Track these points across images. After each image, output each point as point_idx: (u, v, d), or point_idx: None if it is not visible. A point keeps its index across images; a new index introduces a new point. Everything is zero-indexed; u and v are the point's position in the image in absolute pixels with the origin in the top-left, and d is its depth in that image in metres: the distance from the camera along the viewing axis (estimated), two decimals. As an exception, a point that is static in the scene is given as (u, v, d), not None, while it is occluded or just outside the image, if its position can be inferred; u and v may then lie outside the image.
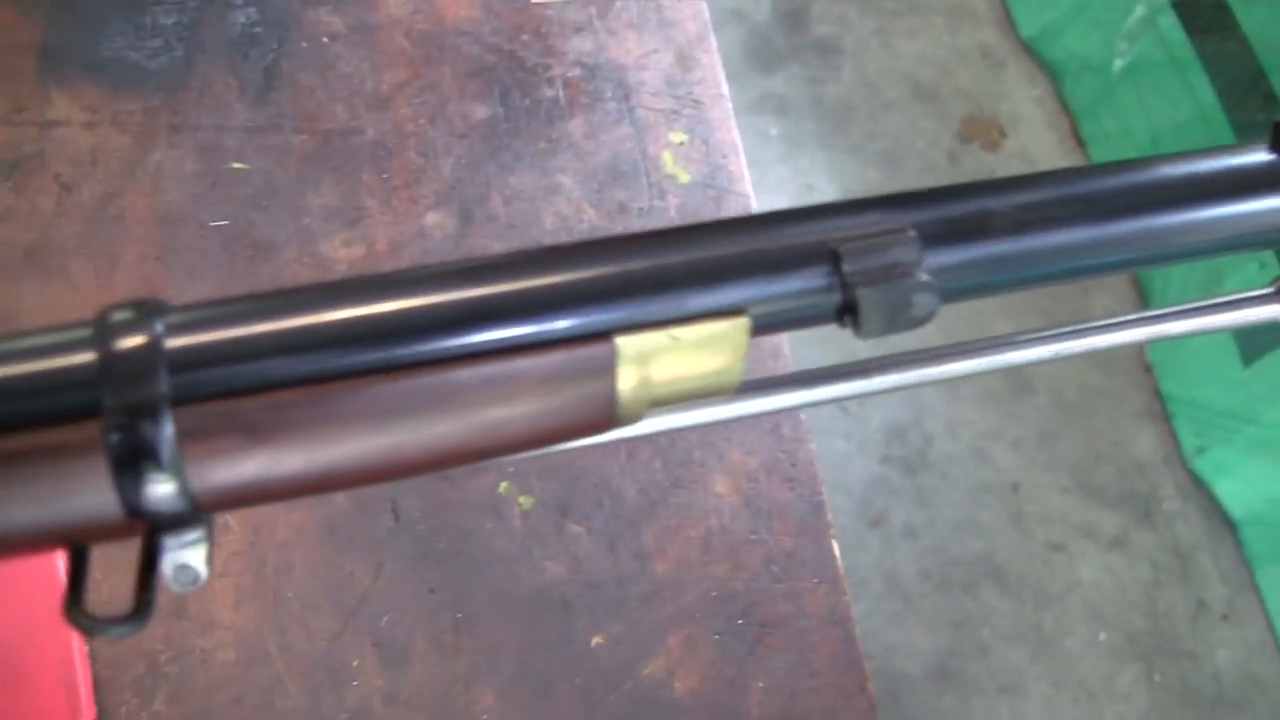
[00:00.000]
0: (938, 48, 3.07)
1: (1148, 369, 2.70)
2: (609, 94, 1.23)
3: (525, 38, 1.25)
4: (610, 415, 0.50)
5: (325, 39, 1.24)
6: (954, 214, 0.52)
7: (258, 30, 1.24)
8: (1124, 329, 0.61)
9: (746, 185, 1.19)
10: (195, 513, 0.47)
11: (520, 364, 0.48)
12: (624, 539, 1.03)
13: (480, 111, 1.21)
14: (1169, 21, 2.73)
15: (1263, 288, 0.61)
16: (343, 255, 1.12)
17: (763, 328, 0.51)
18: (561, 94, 1.23)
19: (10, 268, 1.10)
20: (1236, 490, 2.57)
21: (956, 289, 0.52)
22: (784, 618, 1.01)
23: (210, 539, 0.49)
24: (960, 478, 2.55)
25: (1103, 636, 2.43)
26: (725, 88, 1.25)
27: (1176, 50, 2.71)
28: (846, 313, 0.50)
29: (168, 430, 0.45)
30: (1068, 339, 0.60)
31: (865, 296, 0.49)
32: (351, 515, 1.02)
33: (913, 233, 0.51)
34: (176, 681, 0.96)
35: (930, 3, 3.15)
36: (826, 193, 2.79)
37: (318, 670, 0.97)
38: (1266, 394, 2.46)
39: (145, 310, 0.47)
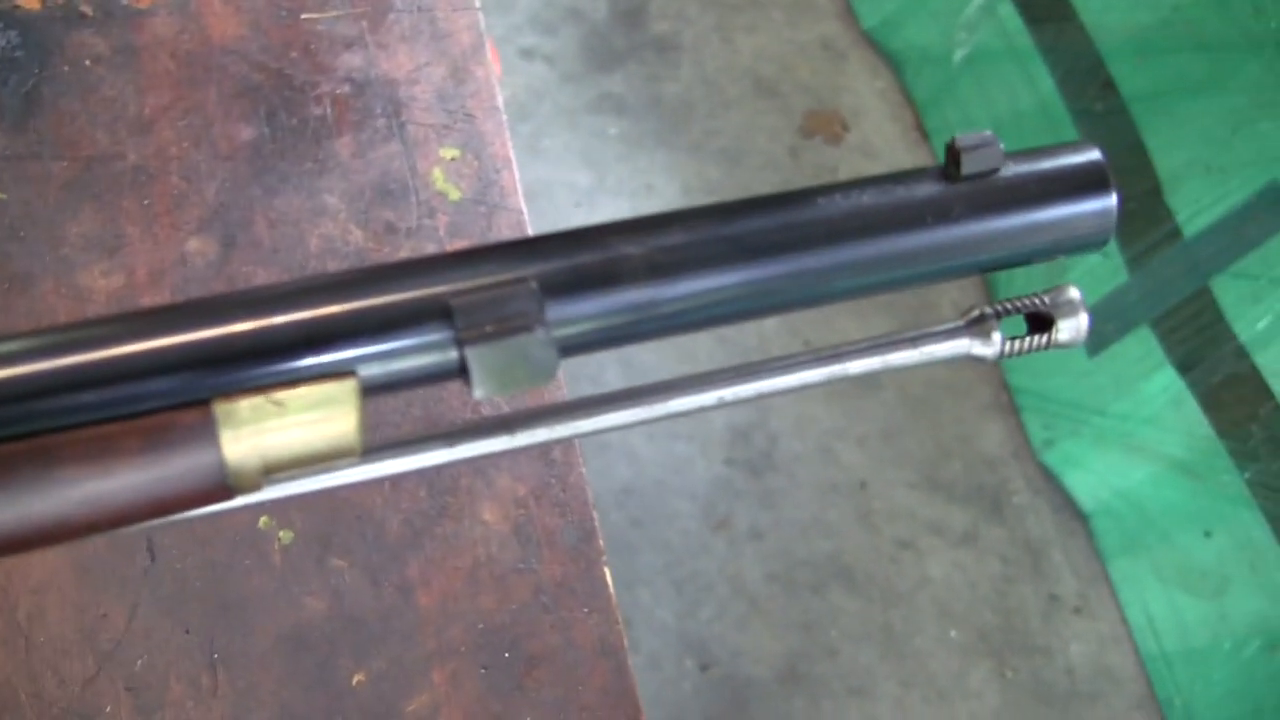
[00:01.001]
0: (778, 42, 3.07)
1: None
2: (379, 110, 1.20)
3: (294, 55, 1.22)
4: (222, 484, 0.48)
5: (88, 62, 1.20)
6: (580, 262, 0.50)
7: (18, 54, 1.20)
8: (805, 368, 0.59)
9: (519, 200, 1.17)
10: None
11: (112, 432, 0.46)
12: (387, 572, 1.00)
13: (245, 132, 1.18)
14: (1008, 10, 2.75)
15: (953, 322, 0.60)
16: (101, 285, 1.09)
17: (376, 388, 0.48)
18: (329, 112, 1.20)
19: None
20: (1086, 482, 2.58)
21: (582, 342, 0.50)
22: (553, 650, 0.99)
23: None
24: (806, 477, 2.54)
25: (953, 634, 2.43)
26: (499, 100, 1.23)
27: (1016, 39, 2.73)
28: (464, 371, 0.48)
29: None
30: (741, 381, 0.58)
31: (473, 355, 0.47)
32: (105, 555, 0.99)
33: (534, 284, 0.48)
34: (-84, 737, 0.93)
35: (770, -3, 3.15)
36: (666, 192, 2.78)
37: (70, 717, 0.94)
38: (1112, 385, 2.48)
39: None
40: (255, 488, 0.49)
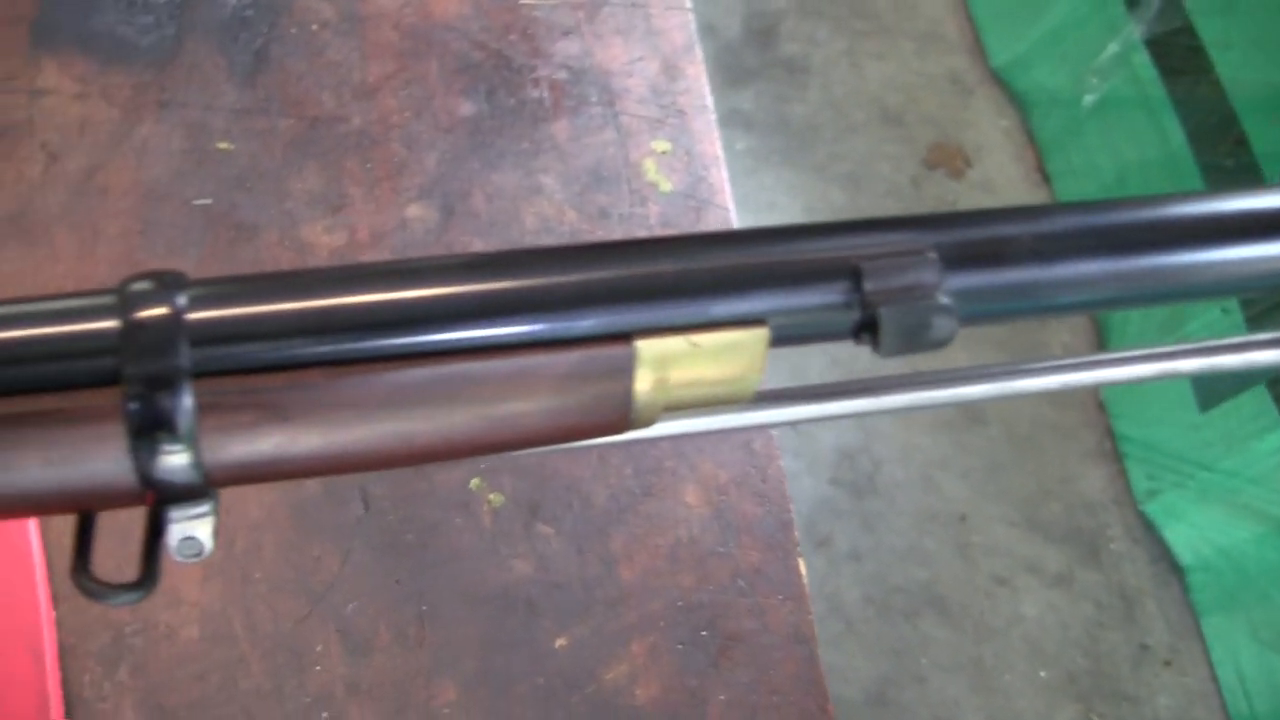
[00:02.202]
0: (906, 72, 3.09)
1: (1101, 407, 2.71)
2: (594, 98, 1.23)
3: (513, 37, 1.25)
4: (625, 417, 0.51)
5: (315, 26, 1.23)
6: (974, 238, 0.52)
7: (249, 14, 1.23)
8: (1139, 363, 0.61)
9: (727, 199, 1.20)
10: (206, 486, 0.47)
11: (540, 359, 0.48)
12: (592, 543, 1.03)
13: (465, 108, 1.21)
14: (1142, 60, 2.75)
15: (1272, 332, 0.62)
16: (324, 241, 1.12)
17: (781, 340, 0.51)
18: (546, 95, 1.23)
19: (-10, 235, 1.09)
20: (1186, 536, 2.56)
21: (975, 313, 0.52)
22: (748, 633, 1.02)
23: (217, 513, 0.49)
24: (907, 504, 2.56)
25: (1043, 674, 2.43)
26: (709, 100, 1.25)
27: (1148, 89, 2.73)
28: (865, 330, 0.50)
29: (186, 403, 0.45)
30: (1075, 370, 0.60)
31: (886, 315, 0.49)
32: (322, 501, 1.02)
33: (934, 255, 0.51)
34: (141, 654, 0.95)
35: (900, 26, 3.16)
36: (789, 210, 2.80)
37: (281, 652, 0.97)
38: (1221, 441, 2.47)
39: (167, 282, 0.47)
40: (650, 422, 0.51)
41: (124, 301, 0.46)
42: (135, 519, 0.48)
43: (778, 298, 0.50)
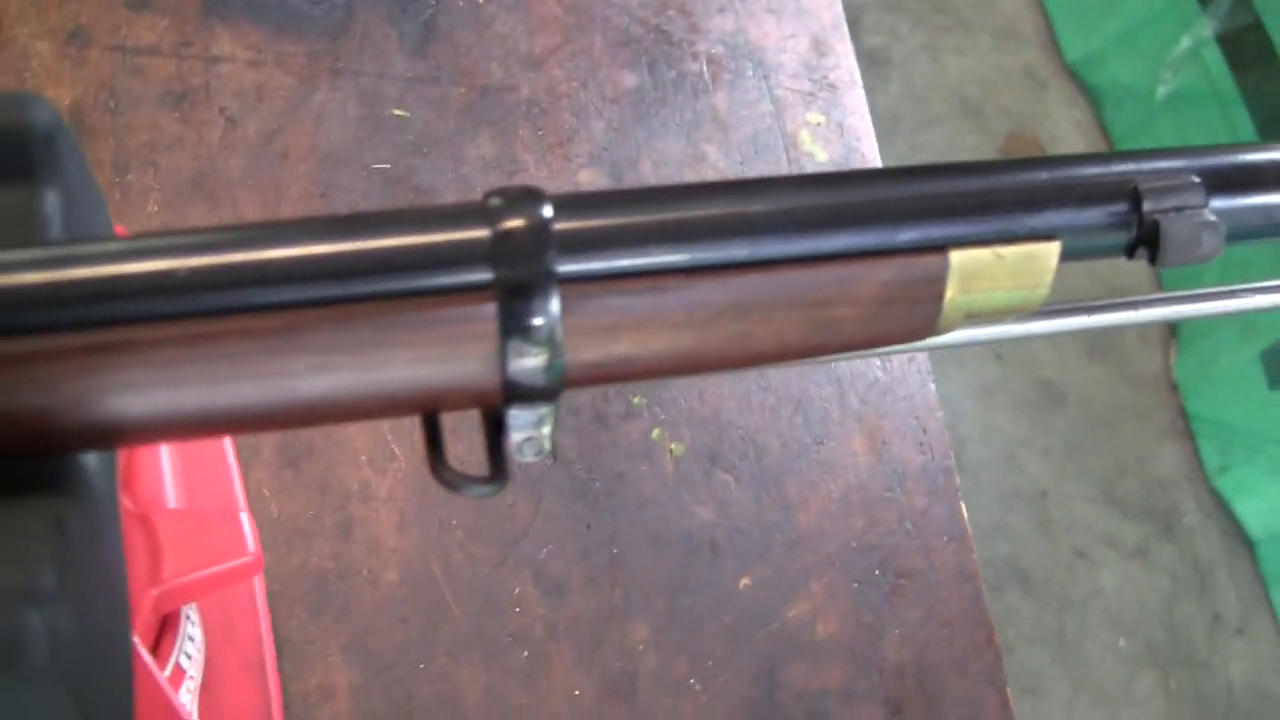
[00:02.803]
0: (984, 65, 3.14)
1: (1174, 387, 2.76)
2: (749, 72, 1.28)
3: (670, 13, 1.30)
4: (933, 323, 0.55)
5: (480, 0, 1.29)
6: (1229, 164, 0.57)
7: (416, -13, 1.29)
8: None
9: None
10: (559, 388, 0.51)
11: (866, 268, 0.53)
12: (768, 489, 1.08)
13: (629, 79, 1.26)
14: (1213, 54, 2.79)
15: None
16: (499, 206, 1.17)
17: (1068, 255, 0.56)
18: (705, 69, 1.28)
19: (178, 193, 1.14)
20: (1256, 509, 2.64)
21: (1235, 233, 0.57)
22: (917, 571, 1.07)
23: (556, 417, 0.53)
24: (991, 482, 2.61)
25: (1122, 643, 2.49)
26: (858, 76, 1.30)
27: (1219, 83, 2.77)
28: (1142, 244, 0.55)
29: (554, 306, 0.49)
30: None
31: (1167, 229, 0.54)
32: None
33: (1197, 179, 0.56)
34: (344, 599, 1.00)
35: (979, 21, 3.21)
36: (873, 199, 2.85)
37: (480, 596, 1.02)
38: (1290, 418, 2.54)
39: (532, 193, 0.51)
40: (953, 329, 0.56)
41: (493, 211, 0.49)
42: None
43: (1069, 215, 0.55)
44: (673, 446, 1.09)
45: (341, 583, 1.01)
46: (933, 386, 1.15)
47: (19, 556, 0.42)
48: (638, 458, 1.08)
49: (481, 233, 0.49)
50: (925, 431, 1.12)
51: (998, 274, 0.55)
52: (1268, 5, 2.68)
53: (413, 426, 1.04)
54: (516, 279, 0.48)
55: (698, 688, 1.01)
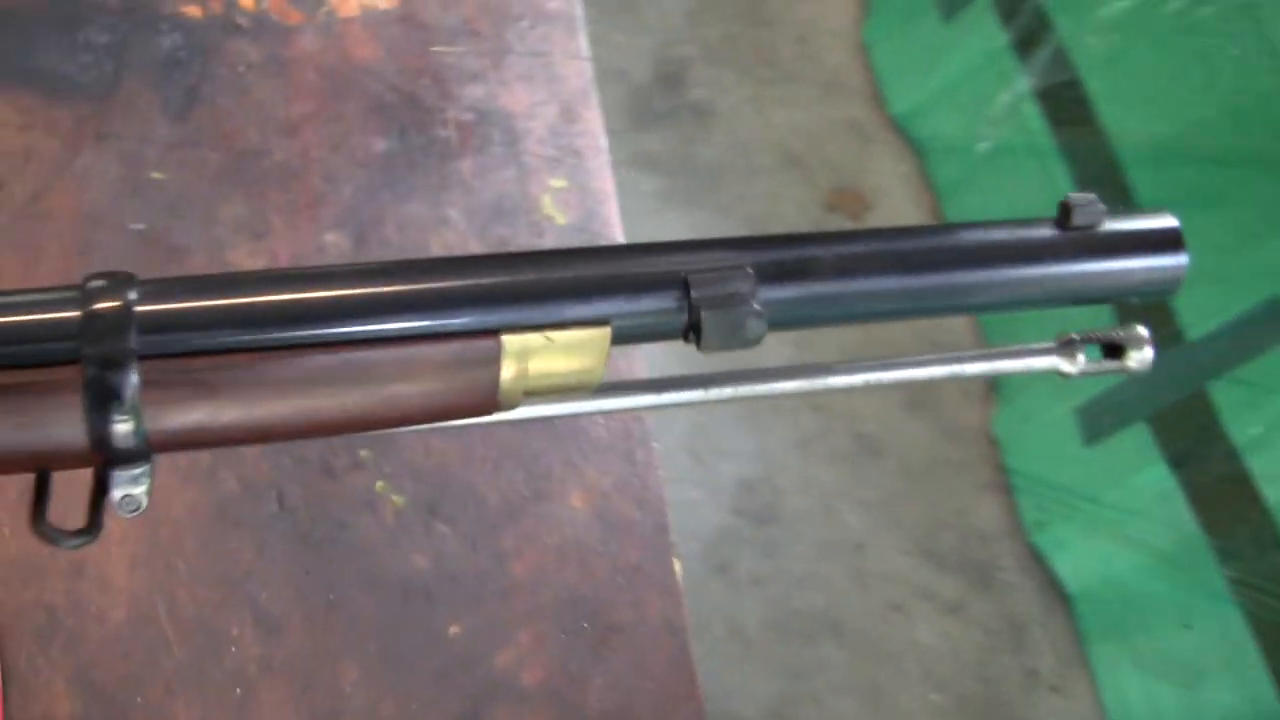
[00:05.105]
0: (809, 118, 3.22)
1: (993, 442, 2.82)
2: (497, 139, 1.34)
3: (425, 81, 1.36)
4: (493, 400, 0.61)
5: (242, 68, 1.34)
6: (785, 257, 0.64)
7: (181, 54, 1.34)
8: (931, 365, 0.72)
9: (618, 231, 1.30)
10: (146, 451, 0.57)
11: (424, 349, 0.59)
12: (485, 540, 1.13)
13: (380, 144, 1.31)
14: (1031, 110, 2.87)
15: (1048, 343, 0.74)
16: (248, 263, 1.22)
17: (622, 338, 0.62)
18: (454, 135, 1.34)
19: (-63, 254, 1.19)
20: (1073, 565, 2.66)
21: (783, 319, 0.63)
22: (626, 624, 1.12)
23: (152, 476, 0.59)
24: (808, 532, 2.66)
25: (934, 697, 2.52)
26: (604, 141, 1.37)
27: (1037, 138, 2.84)
28: (692, 330, 0.62)
29: (133, 379, 0.55)
30: (877, 370, 0.71)
31: (707, 318, 0.61)
32: (241, 499, 1.12)
33: (750, 270, 0.62)
34: (72, 634, 1.04)
35: (804, 73, 3.29)
36: (696, 250, 2.90)
37: (200, 634, 1.06)
38: (1105, 475, 2.57)
39: (120, 280, 0.57)
40: (513, 406, 0.62)
41: (85, 295, 0.56)
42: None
43: (619, 303, 0.61)
44: (394, 498, 1.14)
45: (71, 618, 1.05)
46: (655, 445, 1.21)
47: None
48: (360, 507, 1.13)
49: (74, 313, 0.56)
50: (644, 488, 1.18)
51: (551, 356, 0.61)
52: (1085, 61, 2.77)
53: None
54: (101, 354, 0.55)
55: (402, 728, 1.06)
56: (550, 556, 1.14)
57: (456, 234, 1.27)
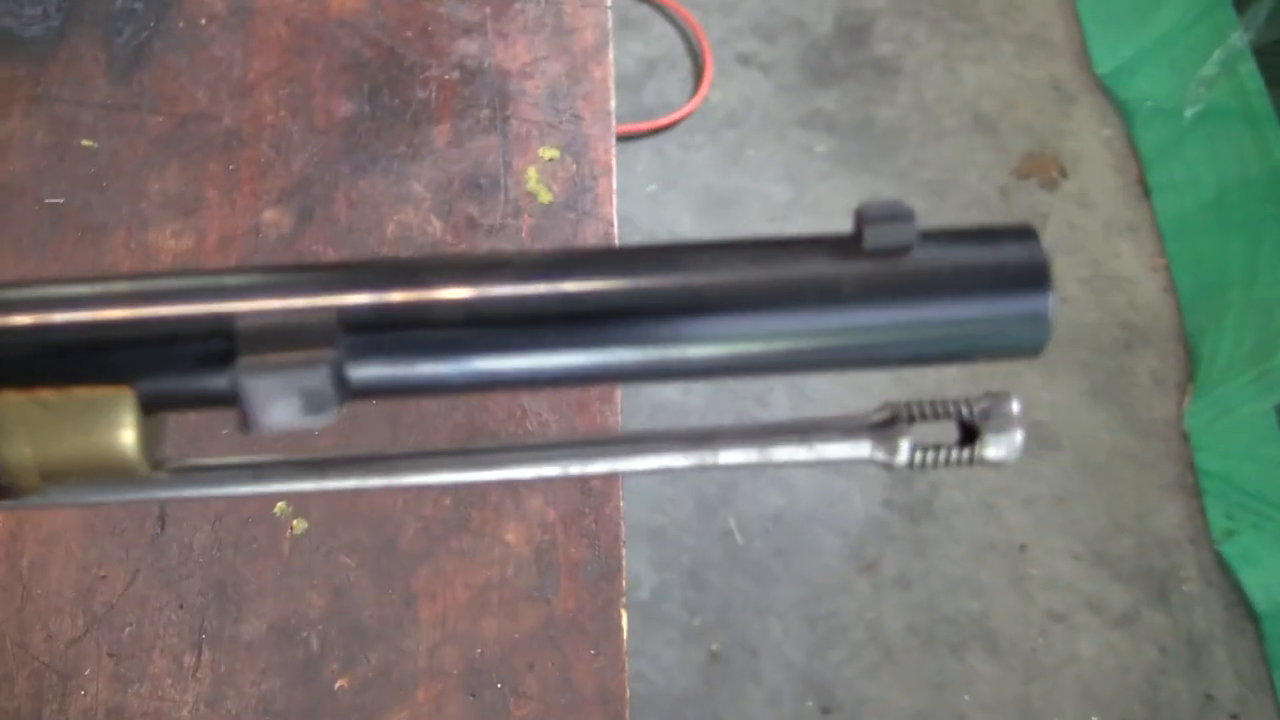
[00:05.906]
0: (1005, 76, 2.96)
1: (1185, 438, 2.56)
2: (484, 100, 1.17)
3: (409, 34, 1.19)
4: None
5: (203, 20, 1.19)
6: (393, 302, 0.44)
7: (138, 6, 1.19)
8: (670, 451, 0.51)
9: (612, 211, 1.12)
10: None
11: None
12: (394, 578, 0.96)
13: (345, 108, 1.15)
14: (1249, 69, 2.60)
15: (858, 417, 0.51)
16: (170, 245, 1.07)
17: (157, 404, 0.44)
18: (434, 96, 1.16)
19: None
20: (1263, 581, 2.38)
21: (372, 388, 0.44)
22: (549, 689, 0.94)
23: None
24: (965, 531, 2.44)
25: (1094, 719, 2.31)
26: (611, 104, 1.18)
27: (1253, 100, 2.58)
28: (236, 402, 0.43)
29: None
30: (588, 458, 0.51)
31: (247, 384, 0.42)
32: (118, 516, 0.97)
33: (335, 316, 0.43)
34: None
35: (1004, 28, 3.04)
36: (862, 219, 2.70)
37: (49, 673, 0.92)
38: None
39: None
40: (34, 489, 0.45)
41: None
42: None
43: (140, 355, 0.43)
44: (295, 522, 0.98)
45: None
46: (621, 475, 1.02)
47: None
48: (253, 531, 0.98)
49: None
50: (597, 522, 1.00)
51: (56, 426, 0.43)
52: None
53: None
54: None
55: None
56: (468, 601, 0.96)
57: (418, 212, 1.10)
